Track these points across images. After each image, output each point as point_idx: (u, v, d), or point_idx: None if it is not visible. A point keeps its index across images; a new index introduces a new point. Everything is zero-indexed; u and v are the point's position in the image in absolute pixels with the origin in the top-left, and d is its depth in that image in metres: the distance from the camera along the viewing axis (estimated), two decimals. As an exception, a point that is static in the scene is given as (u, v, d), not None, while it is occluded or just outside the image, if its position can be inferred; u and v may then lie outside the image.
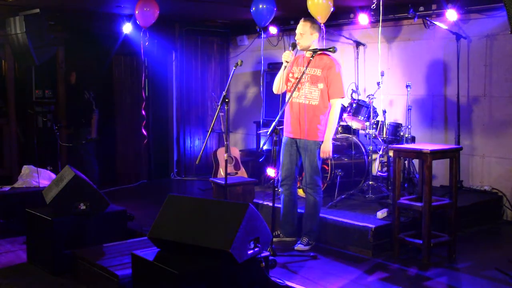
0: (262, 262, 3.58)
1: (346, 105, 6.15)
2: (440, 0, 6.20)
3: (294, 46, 4.70)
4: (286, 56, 4.66)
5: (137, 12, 6.40)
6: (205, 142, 5.55)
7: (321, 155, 4.76)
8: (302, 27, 4.73)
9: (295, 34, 4.82)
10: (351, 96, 6.27)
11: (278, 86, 4.89)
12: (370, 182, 5.83)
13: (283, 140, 4.92)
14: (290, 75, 4.84)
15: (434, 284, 4.12)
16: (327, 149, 4.74)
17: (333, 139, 6.04)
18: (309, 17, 4.86)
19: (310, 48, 4.73)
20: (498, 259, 4.61)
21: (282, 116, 4.80)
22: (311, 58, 4.60)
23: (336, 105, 4.75)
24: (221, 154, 7.00)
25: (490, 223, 5.82)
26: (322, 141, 4.75)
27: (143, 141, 7.56)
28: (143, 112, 7.08)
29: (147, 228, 3.81)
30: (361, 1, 6.35)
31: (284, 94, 4.93)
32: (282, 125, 5.01)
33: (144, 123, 7.12)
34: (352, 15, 6.97)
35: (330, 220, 5.08)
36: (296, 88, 4.73)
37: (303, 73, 4.65)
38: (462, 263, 4.59)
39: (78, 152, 7.59)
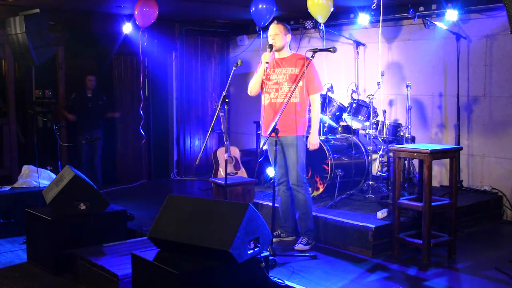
0: (262, 262, 3.58)
1: (346, 105, 6.15)
2: (440, 0, 6.20)
3: (271, 47, 4.80)
4: (266, 57, 4.77)
5: (136, 12, 6.41)
6: (205, 142, 5.55)
7: (310, 146, 4.90)
8: (275, 28, 4.84)
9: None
10: (351, 96, 6.27)
11: (255, 87, 4.96)
12: (370, 182, 5.83)
13: (268, 140, 4.92)
14: (264, 77, 4.91)
15: (434, 284, 4.12)
16: (315, 140, 4.90)
17: (333, 139, 6.08)
18: (279, 21, 4.95)
19: (284, 49, 4.87)
20: (498, 259, 4.60)
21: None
22: (311, 58, 4.65)
23: (317, 99, 4.91)
24: (221, 154, 7.00)
25: (490, 223, 5.82)
26: (305, 136, 4.88)
27: (141, 141, 7.55)
28: (141, 112, 7.07)
29: (147, 228, 3.81)
30: (361, 1, 6.35)
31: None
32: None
33: (142, 123, 7.11)
34: (352, 15, 6.97)
35: (330, 220, 5.07)
36: (275, 89, 4.84)
37: (303, 73, 4.69)
38: (462, 263, 4.58)
39: (91, 151, 7.67)
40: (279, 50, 4.87)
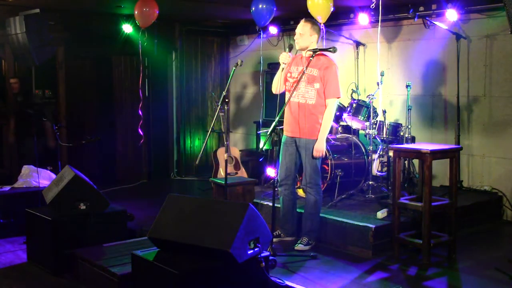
0: (262, 262, 3.58)
1: (346, 105, 6.16)
2: (440, 0, 6.20)
3: (290, 48, 4.71)
4: (283, 58, 4.68)
5: (136, 12, 6.41)
6: (205, 142, 5.55)
7: (314, 154, 4.75)
8: (303, 27, 4.75)
9: (295, 34, 4.83)
10: (351, 96, 6.27)
11: (276, 86, 4.92)
12: (370, 182, 5.83)
13: (283, 139, 4.93)
14: (288, 75, 4.86)
15: (434, 284, 4.12)
16: (320, 148, 4.75)
17: (333, 139, 6.08)
18: (310, 18, 4.87)
19: (308, 49, 4.75)
20: (498, 259, 4.61)
21: (282, 116, 4.82)
22: (311, 58, 4.61)
23: (332, 104, 4.77)
24: (221, 154, 7.00)
25: (490, 223, 5.82)
26: None
27: (139, 142, 7.53)
28: (140, 112, 7.06)
29: (147, 228, 3.81)
30: (361, 1, 6.35)
31: (282, 94, 4.94)
32: (282, 125, 5.03)
33: (141, 123, 7.10)
34: (352, 15, 6.97)
35: (330, 220, 5.08)
36: (294, 88, 4.74)
37: (303, 73, 4.66)
38: (462, 263, 4.59)
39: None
40: (302, 50, 4.80)
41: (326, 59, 4.74)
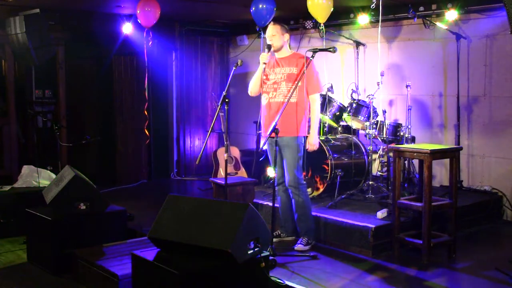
0: (262, 262, 3.58)
1: (346, 105, 6.16)
2: (440, 0, 6.20)
3: (269, 47, 4.81)
4: (264, 57, 4.77)
5: (138, 11, 6.40)
6: (205, 142, 5.55)
7: (309, 147, 4.87)
8: (273, 29, 4.85)
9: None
10: (351, 96, 6.27)
11: (255, 88, 4.98)
12: (370, 182, 5.83)
13: (268, 140, 4.93)
14: (264, 77, 4.91)
15: (434, 284, 4.12)
16: (314, 141, 4.85)
17: (333, 139, 6.08)
18: (277, 21, 4.96)
19: (283, 48, 4.88)
20: (498, 259, 4.61)
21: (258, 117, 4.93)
22: (311, 58, 4.65)
23: (316, 99, 4.88)
24: (221, 154, 7.00)
25: (490, 223, 5.82)
26: (303, 137, 4.85)
27: (145, 141, 7.55)
28: (145, 113, 7.09)
29: (147, 228, 3.81)
30: (361, 1, 6.35)
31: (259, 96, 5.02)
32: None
33: (147, 123, 7.14)
34: (352, 15, 6.98)
35: (330, 220, 5.08)
36: (273, 89, 4.83)
37: (303, 73, 4.69)
38: (462, 263, 4.59)
39: None
40: (277, 50, 4.88)
41: (302, 57, 4.81)
